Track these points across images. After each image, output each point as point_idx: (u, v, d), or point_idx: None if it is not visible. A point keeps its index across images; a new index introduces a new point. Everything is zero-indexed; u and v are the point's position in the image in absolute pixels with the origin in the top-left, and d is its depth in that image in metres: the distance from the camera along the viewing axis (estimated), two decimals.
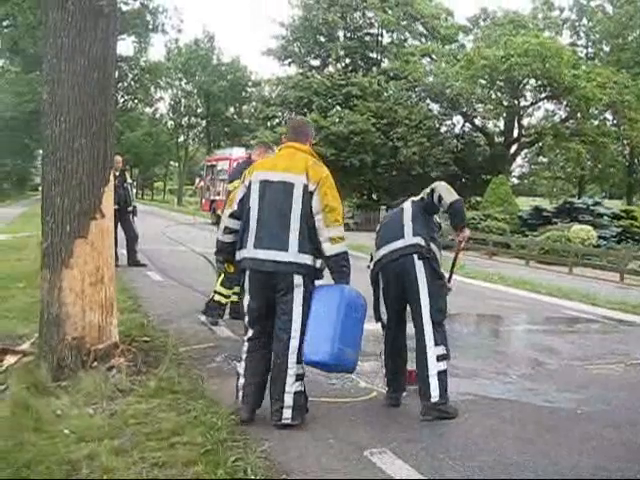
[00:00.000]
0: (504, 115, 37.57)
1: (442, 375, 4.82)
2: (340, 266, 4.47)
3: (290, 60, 43.87)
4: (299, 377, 4.46)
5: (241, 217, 4.62)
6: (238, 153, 31.96)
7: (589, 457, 4.25)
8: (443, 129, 40.04)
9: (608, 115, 36.80)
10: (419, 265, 4.92)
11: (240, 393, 4.58)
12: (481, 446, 4.34)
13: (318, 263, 4.47)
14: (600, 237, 24.55)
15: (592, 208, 27.07)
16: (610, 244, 24.45)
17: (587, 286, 14.64)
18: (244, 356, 4.65)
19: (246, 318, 4.67)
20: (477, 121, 39.50)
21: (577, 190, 44.33)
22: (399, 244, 5.01)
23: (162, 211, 43.13)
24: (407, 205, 5.26)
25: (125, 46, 57.29)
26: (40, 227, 5.48)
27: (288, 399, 4.40)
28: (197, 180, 44.13)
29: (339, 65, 41.96)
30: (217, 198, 32.04)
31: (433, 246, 4.99)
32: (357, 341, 4.51)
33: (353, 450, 4.14)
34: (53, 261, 5.26)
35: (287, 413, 4.40)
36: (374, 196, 40.59)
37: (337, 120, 35.31)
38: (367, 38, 42.76)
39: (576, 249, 21.85)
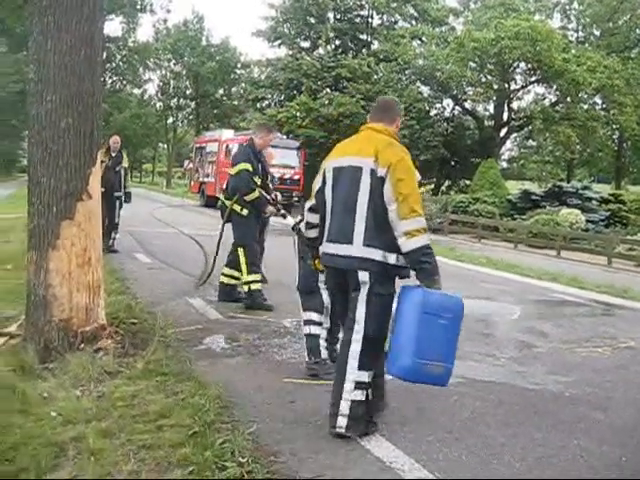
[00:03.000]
0: (494, 98, 37.52)
1: (308, 338, 5.34)
2: (419, 262, 3.86)
3: (280, 41, 43.57)
4: (360, 385, 4.00)
5: (320, 210, 4.29)
6: (227, 135, 31.87)
7: (576, 439, 4.27)
8: (433, 112, 39.96)
9: (598, 99, 36.80)
10: (295, 238, 5.57)
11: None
12: (469, 429, 4.35)
13: (392, 259, 3.93)
14: (588, 221, 24.66)
15: (581, 192, 27.16)
16: (598, 228, 24.57)
17: (575, 269, 14.69)
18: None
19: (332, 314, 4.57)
20: (467, 104, 39.48)
21: (566, 174, 44.42)
22: None
23: (151, 193, 43.00)
24: None
25: (113, 26, 56.62)
26: (25, 207, 5.42)
27: (344, 406, 3.99)
28: (186, 162, 43.96)
29: (329, 47, 41.70)
30: (206, 180, 31.96)
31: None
32: (446, 352, 3.91)
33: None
34: (40, 242, 5.21)
35: (341, 421, 3.99)
36: None
37: (327, 102, 35.15)
38: (357, 20, 42.50)
39: (564, 232, 21.93)
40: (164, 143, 75.11)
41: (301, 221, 5.30)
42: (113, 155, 11.77)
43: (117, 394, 4.48)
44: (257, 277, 7.84)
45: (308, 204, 4.39)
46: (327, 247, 4.15)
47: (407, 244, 3.84)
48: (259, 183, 7.80)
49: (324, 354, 5.30)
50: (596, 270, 16.17)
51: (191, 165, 37.48)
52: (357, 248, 3.93)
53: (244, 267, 7.76)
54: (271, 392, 4.83)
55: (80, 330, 5.25)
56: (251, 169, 7.67)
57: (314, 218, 4.34)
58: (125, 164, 12.32)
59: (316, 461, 3.70)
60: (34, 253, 5.25)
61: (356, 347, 3.98)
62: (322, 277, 5.20)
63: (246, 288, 7.82)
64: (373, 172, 3.93)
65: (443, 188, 40.94)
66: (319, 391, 4.91)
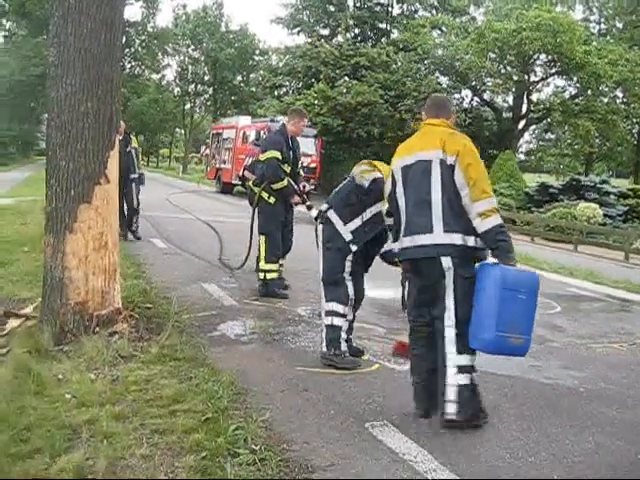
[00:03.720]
0: (513, 90, 37.17)
1: (329, 329, 5.28)
2: (496, 241, 4.02)
3: (299, 29, 43.44)
4: (463, 369, 4.10)
5: (394, 212, 4.45)
6: (244, 121, 31.83)
7: (591, 435, 4.25)
8: None
9: (618, 93, 36.38)
10: (319, 228, 5.50)
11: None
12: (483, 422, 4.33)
13: (471, 241, 4.07)
14: (606, 215, 24.44)
15: (599, 186, 26.91)
16: (616, 223, 24.35)
17: (592, 264, 14.60)
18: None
19: (408, 310, 4.47)
20: (486, 95, 39.14)
21: (584, 168, 44.04)
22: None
23: (167, 178, 43.05)
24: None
25: (133, 11, 56.98)
26: (44, 191, 5.44)
27: (450, 392, 4.07)
28: (203, 148, 43.98)
29: (348, 35, 41.44)
30: (223, 166, 31.96)
31: (331, 213, 5.39)
32: (526, 325, 4.04)
33: (354, 422, 4.14)
34: (57, 225, 5.24)
35: (450, 408, 4.06)
36: None
37: (345, 91, 34.96)
38: (377, 8, 42.23)
39: (582, 227, 21.76)
40: (181, 128, 75.17)
41: (326, 210, 5.42)
42: (120, 139, 11.64)
43: (131, 378, 4.50)
44: (274, 267, 7.81)
45: (385, 209, 4.61)
46: (405, 241, 4.25)
47: (482, 224, 4.01)
48: (288, 171, 7.78)
49: (343, 346, 5.28)
50: (613, 265, 16.04)
51: (207, 151, 37.48)
52: (438, 235, 4.07)
53: (263, 255, 7.78)
54: (284, 380, 4.84)
55: (95, 313, 5.28)
56: (280, 157, 7.64)
57: (392, 221, 4.52)
58: (135, 144, 12.04)
59: (328, 450, 3.70)
60: (51, 236, 5.27)
61: (451, 332, 4.11)
62: (348, 268, 5.29)
63: (262, 276, 7.81)
64: (443, 161, 4.11)
65: None
66: (332, 380, 4.92)
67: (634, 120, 38.03)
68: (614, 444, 4.13)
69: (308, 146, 28.20)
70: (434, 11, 42.03)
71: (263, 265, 7.78)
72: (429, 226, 4.09)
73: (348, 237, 5.34)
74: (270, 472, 3.36)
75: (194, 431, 3.71)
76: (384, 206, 4.68)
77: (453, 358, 4.09)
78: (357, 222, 5.34)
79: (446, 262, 4.07)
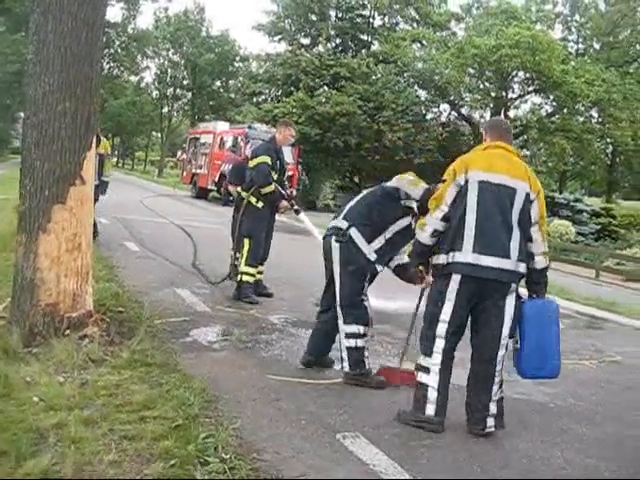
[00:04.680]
0: (491, 106, 37.51)
1: (352, 351, 5.14)
2: (544, 277, 4.48)
3: (280, 37, 43.41)
4: (501, 384, 4.43)
5: (450, 219, 4.35)
6: (222, 127, 31.77)
7: (560, 451, 4.26)
8: (429, 116, 39.89)
9: (594, 112, 36.89)
10: (335, 247, 5.19)
11: (432, 407, 4.31)
12: (454, 435, 4.33)
13: (525, 269, 4.38)
14: (579, 233, 24.76)
15: (572, 204, 27.27)
16: (588, 241, 24.67)
17: (563, 281, 14.71)
18: (437, 369, 4.34)
19: (440, 328, 4.34)
20: (464, 110, 39.44)
21: (558, 185, 44.54)
22: (331, 223, 5.37)
23: (142, 182, 42.81)
24: (371, 189, 5.51)
25: (113, 12, 56.17)
26: (18, 190, 5.36)
27: (492, 408, 4.35)
28: (179, 152, 43.79)
29: (329, 45, 41.53)
30: (199, 171, 31.84)
31: (354, 231, 5.14)
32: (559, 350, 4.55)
33: (325, 433, 4.11)
34: (30, 225, 5.16)
35: (491, 422, 4.34)
36: (356, 179, 40.49)
37: (324, 100, 35.07)
38: (358, 19, 42.29)
39: (554, 244, 21.97)
40: (158, 132, 74.75)
41: (347, 228, 5.18)
42: None
43: (101, 382, 4.44)
44: (252, 271, 7.89)
45: (440, 213, 4.37)
46: (477, 259, 4.23)
47: (543, 262, 4.43)
48: (276, 178, 7.91)
49: (367, 365, 5.21)
50: (583, 282, 16.21)
51: (184, 156, 37.31)
52: (513, 262, 4.27)
53: (244, 256, 7.86)
54: (256, 389, 4.80)
55: (66, 316, 5.20)
56: (270, 163, 7.78)
57: (445, 227, 4.39)
58: (101, 150, 10.84)
59: (299, 460, 3.67)
60: (24, 236, 5.19)
61: (503, 352, 4.38)
62: (366, 289, 5.27)
63: (239, 278, 7.87)
64: (527, 196, 4.32)
65: None
66: (304, 390, 4.89)
67: (608, 140, 38.54)
68: (583, 461, 4.15)
69: (286, 154, 28.17)
70: (415, 24, 42.25)
71: (242, 267, 7.84)
72: (507, 251, 4.25)
73: (373, 257, 5.19)
74: None
75: (164, 438, 3.65)
76: (438, 212, 4.39)
77: (499, 375, 4.42)
78: (381, 240, 5.20)
79: (513, 287, 4.34)
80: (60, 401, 4.02)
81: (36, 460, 3.27)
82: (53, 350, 4.84)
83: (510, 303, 4.33)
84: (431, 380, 4.34)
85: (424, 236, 4.46)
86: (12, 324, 5.17)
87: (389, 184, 5.34)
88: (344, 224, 5.22)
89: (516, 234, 4.27)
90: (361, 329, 5.18)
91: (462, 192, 4.31)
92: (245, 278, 7.83)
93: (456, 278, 4.28)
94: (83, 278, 5.36)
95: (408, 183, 5.23)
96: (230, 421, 4.05)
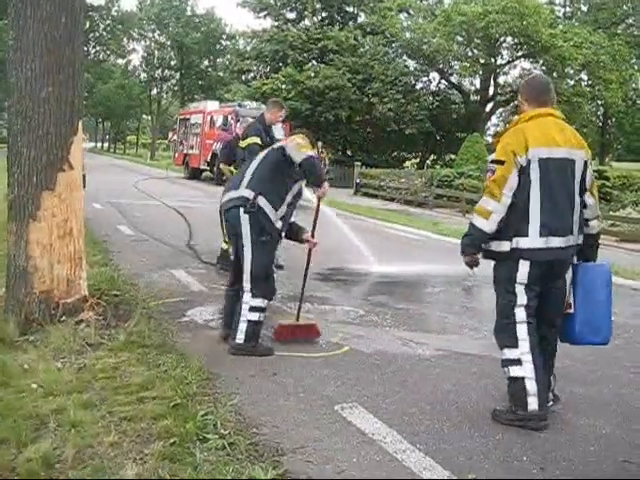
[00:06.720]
0: (480, 73, 37.40)
1: (252, 324, 5.08)
2: (598, 243, 4.37)
3: (265, 12, 43.04)
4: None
5: (513, 203, 3.99)
6: (212, 106, 31.63)
7: (557, 411, 4.29)
8: (419, 86, 39.76)
9: (584, 75, 36.78)
10: (245, 219, 4.99)
11: (534, 400, 3.98)
12: (451, 401, 4.36)
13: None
14: None
15: None
16: None
17: None
18: (528, 357, 4.03)
19: (519, 314, 4.12)
20: (453, 78, 39.33)
21: None
22: (233, 194, 5.12)
23: (134, 165, 42.66)
24: (263, 153, 5.33)
25: None
26: (6, 179, 5.35)
27: (552, 382, 4.32)
28: (170, 134, 43.60)
29: (315, 18, 41.24)
30: (191, 152, 31.74)
31: (261, 199, 4.97)
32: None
33: (324, 404, 4.14)
34: (20, 213, 5.16)
35: (550, 396, 4.28)
36: (348, 152, 40.40)
37: (312, 75, 34.92)
38: None
39: None
40: (148, 115, 74.41)
41: (255, 197, 4.96)
42: None
43: (98, 366, 4.47)
44: None
45: (508, 200, 3.96)
46: (545, 242, 3.97)
47: (597, 226, 4.31)
48: None
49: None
50: None
51: (175, 137, 37.17)
52: (575, 236, 4.12)
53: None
54: (253, 365, 4.83)
55: (61, 302, 5.22)
56: (260, 142, 7.74)
57: (507, 212, 4.02)
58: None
59: (298, 433, 3.70)
60: (14, 224, 5.19)
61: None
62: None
63: (224, 247, 7.99)
64: (585, 163, 4.13)
65: (428, 162, 40.88)
66: (301, 363, 4.93)
67: (599, 102, 38.49)
68: (579, 421, 4.18)
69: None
70: None
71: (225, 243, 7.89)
72: (572, 228, 4.08)
73: (279, 224, 5.11)
74: (240, 456, 3.35)
75: (163, 417, 3.69)
76: (500, 197, 3.98)
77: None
78: (284, 207, 5.10)
79: (572, 261, 4.24)
80: (59, 386, 4.05)
81: (37, 446, 3.30)
82: (50, 336, 4.87)
83: (568, 278, 4.24)
84: (527, 371, 4.01)
85: (490, 225, 4.05)
86: (8, 313, 5.19)
87: (279, 144, 5.30)
88: (250, 194, 4.99)
89: (577, 207, 4.09)
90: (265, 302, 5.18)
91: (525, 173, 3.96)
92: (225, 247, 7.90)
93: (525, 263, 4.03)
94: (76, 263, 5.37)
95: (294, 146, 5.11)
96: (228, 398, 4.08)
